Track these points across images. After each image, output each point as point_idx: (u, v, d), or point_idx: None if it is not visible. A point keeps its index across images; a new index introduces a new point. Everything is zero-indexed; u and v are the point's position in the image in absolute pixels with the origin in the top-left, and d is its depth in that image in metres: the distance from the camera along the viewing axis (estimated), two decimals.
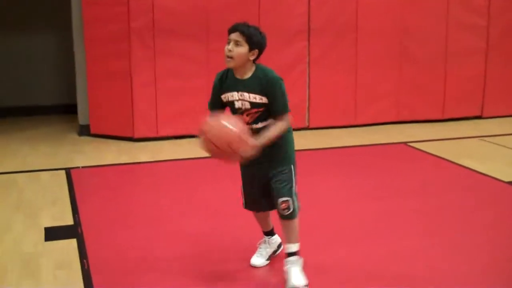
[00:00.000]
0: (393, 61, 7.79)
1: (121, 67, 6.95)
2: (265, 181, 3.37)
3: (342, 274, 3.55)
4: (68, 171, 5.77)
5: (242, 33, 3.19)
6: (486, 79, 8.19)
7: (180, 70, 7.06)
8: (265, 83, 3.21)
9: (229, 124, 3.04)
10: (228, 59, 3.22)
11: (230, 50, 3.19)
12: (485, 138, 7.15)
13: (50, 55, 8.68)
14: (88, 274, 3.55)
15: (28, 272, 3.61)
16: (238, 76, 3.27)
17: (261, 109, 3.24)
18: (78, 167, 5.96)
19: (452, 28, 7.91)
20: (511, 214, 4.66)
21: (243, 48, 3.19)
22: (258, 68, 3.28)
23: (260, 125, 3.26)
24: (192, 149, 6.65)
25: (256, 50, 3.22)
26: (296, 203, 3.35)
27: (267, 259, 3.66)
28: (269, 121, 3.26)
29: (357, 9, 7.54)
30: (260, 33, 3.25)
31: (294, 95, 7.41)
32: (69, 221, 4.46)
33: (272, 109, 3.24)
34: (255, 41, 3.20)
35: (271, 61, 7.18)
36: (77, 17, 7.14)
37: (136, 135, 7.02)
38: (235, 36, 3.20)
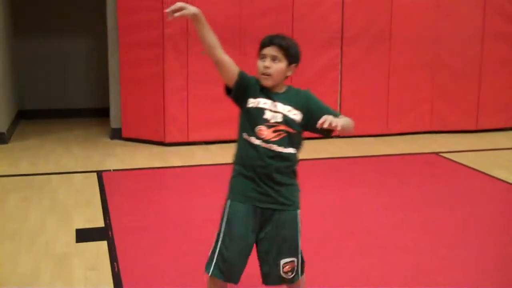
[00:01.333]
0: (427, 70, 7.73)
1: (154, 72, 7.01)
2: (260, 230, 2.74)
3: (370, 281, 3.52)
4: (100, 174, 5.84)
5: (280, 47, 2.72)
6: None
7: (212, 76, 7.04)
8: (300, 96, 2.80)
9: None
10: (265, 77, 2.73)
11: (267, 67, 2.72)
12: None
13: (85, 59, 8.82)
14: (118, 277, 3.58)
15: (60, 272, 3.65)
16: (273, 90, 2.78)
17: (290, 131, 2.70)
18: (109, 170, 6.02)
19: (487, 37, 7.82)
20: None
21: (282, 64, 2.73)
22: (290, 88, 2.84)
23: (281, 149, 2.69)
24: (223, 154, 6.68)
25: (294, 65, 2.78)
26: (301, 261, 2.83)
27: None
28: (291, 150, 2.72)
29: (391, 17, 7.50)
30: (296, 44, 2.80)
31: (325, 102, 7.38)
32: (100, 223, 4.50)
33: (327, 114, 2.63)
34: (293, 54, 2.76)
35: (304, 68, 7.21)
36: (112, 22, 7.23)
37: (167, 140, 7.07)
38: (271, 50, 2.73)
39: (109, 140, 7.40)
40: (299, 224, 2.78)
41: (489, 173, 6.00)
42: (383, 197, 5.23)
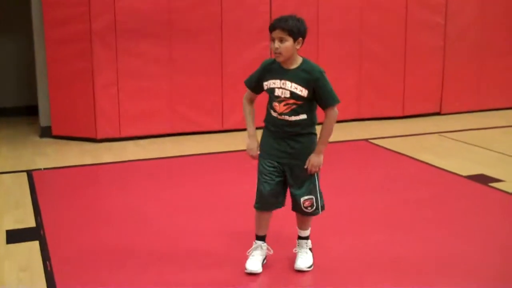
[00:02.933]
0: (353, 59, 7.91)
1: (83, 68, 6.90)
2: (285, 175, 3.47)
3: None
4: (30, 173, 5.72)
5: (283, 29, 3.30)
6: (444, 77, 8.37)
7: (142, 70, 7.05)
8: (311, 76, 3.34)
9: None
10: (277, 55, 3.33)
11: (277, 47, 3.31)
12: (444, 134, 7.32)
13: (10, 56, 8.56)
14: (51, 276, 3.54)
15: None
16: (285, 66, 3.38)
17: (299, 102, 3.35)
18: (40, 169, 5.91)
19: (410, 26, 8.06)
20: (469, 208, 4.79)
21: (289, 42, 3.31)
22: (304, 62, 3.41)
23: (293, 118, 3.37)
24: (155, 149, 6.67)
25: (300, 39, 3.35)
26: (320, 201, 3.53)
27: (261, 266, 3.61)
28: (302, 116, 3.37)
29: (318, 7, 7.62)
30: (298, 20, 3.37)
31: None
32: (31, 223, 4.43)
33: (322, 101, 3.38)
34: (297, 31, 3.32)
35: (234, 60, 7.28)
36: (37, 18, 7.06)
37: (99, 136, 6.99)
38: (277, 33, 3.32)
39: (39, 138, 7.25)
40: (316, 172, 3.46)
41: (416, 157, 6.23)
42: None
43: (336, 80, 7.72)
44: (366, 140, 7.05)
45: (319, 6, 7.63)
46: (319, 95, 3.36)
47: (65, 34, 6.90)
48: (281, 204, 3.56)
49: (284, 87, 3.36)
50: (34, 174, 5.72)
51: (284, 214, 3.68)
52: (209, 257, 3.81)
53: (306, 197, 3.47)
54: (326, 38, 7.69)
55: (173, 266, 3.70)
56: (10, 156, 6.47)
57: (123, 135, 7.07)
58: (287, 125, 3.39)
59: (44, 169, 5.95)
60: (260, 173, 3.52)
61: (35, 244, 4.01)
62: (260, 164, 3.53)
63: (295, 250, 3.67)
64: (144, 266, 3.69)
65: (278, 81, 3.38)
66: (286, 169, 3.46)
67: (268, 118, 3.50)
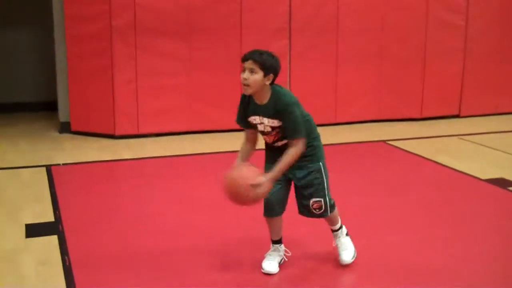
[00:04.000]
0: (373, 59, 7.88)
1: (103, 65, 6.95)
2: (289, 181, 3.47)
3: (320, 267, 3.61)
4: (48, 168, 5.76)
5: (255, 61, 3.25)
6: (464, 79, 8.31)
7: (161, 67, 7.08)
8: (278, 108, 3.30)
9: (239, 176, 3.23)
10: (245, 87, 3.28)
11: (245, 79, 3.25)
12: (463, 137, 7.26)
13: (31, 52, 8.64)
14: (70, 271, 3.56)
15: (9, 268, 3.61)
16: (257, 102, 3.36)
17: (279, 131, 3.36)
18: (58, 164, 5.96)
19: (431, 27, 8.01)
20: (487, 211, 4.75)
21: (258, 75, 3.25)
22: (274, 92, 3.34)
23: (285, 141, 3.37)
24: (173, 146, 6.69)
25: (271, 75, 3.29)
26: (329, 202, 3.49)
27: (278, 267, 3.60)
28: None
29: (338, 7, 7.60)
30: (273, 57, 3.31)
31: None
32: (50, 218, 4.46)
33: (287, 133, 3.35)
34: (269, 66, 3.27)
35: None
36: (58, 14, 7.12)
37: (117, 133, 7.03)
38: (248, 64, 3.26)
39: (58, 134, 7.30)
40: (323, 172, 3.47)
41: (434, 159, 6.18)
42: (333, 184, 5.31)
43: (355, 81, 7.82)
44: (384, 141, 7.01)
45: (339, 6, 7.61)
46: (285, 127, 3.32)
47: (86, 30, 6.95)
48: (284, 208, 3.55)
49: (263, 123, 3.36)
50: (53, 169, 5.77)
51: (297, 215, 3.64)
52: (225, 256, 3.81)
53: (315, 199, 3.45)
54: (345, 38, 7.67)
55: (189, 264, 3.70)
56: (29, 151, 6.53)
57: (141, 132, 7.10)
58: (280, 148, 3.38)
59: (63, 164, 5.99)
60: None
61: (54, 239, 4.04)
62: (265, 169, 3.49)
63: (335, 244, 3.68)
64: (161, 262, 3.70)
65: (257, 117, 3.38)
66: (291, 176, 3.45)
67: (265, 143, 3.53)
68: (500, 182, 5.40)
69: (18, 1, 8.37)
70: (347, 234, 3.70)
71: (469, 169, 5.78)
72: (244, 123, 3.49)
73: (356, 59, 7.76)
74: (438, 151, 6.53)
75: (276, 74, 3.32)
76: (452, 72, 8.25)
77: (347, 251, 3.64)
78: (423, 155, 6.37)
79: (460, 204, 4.89)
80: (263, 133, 3.42)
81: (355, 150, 6.72)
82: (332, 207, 3.53)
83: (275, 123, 3.33)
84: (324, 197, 3.47)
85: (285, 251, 3.66)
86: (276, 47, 7.41)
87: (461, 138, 7.21)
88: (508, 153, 6.48)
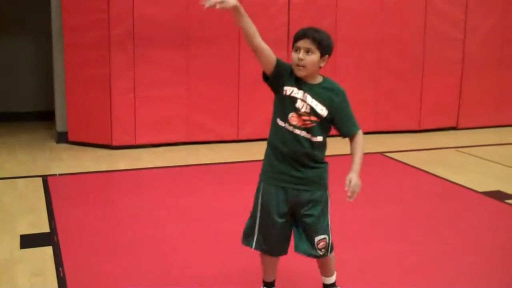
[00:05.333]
0: (371, 71, 7.89)
1: (100, 75, 6.95)
2: (293, 211, 3.03)
3: (315, 279, 3.59)
4: (45, 179, 5.75)
5: (313, 39, 2.89)
6: (462, 91, 8.33)
7: (159, 77, 7.08)
8: (334, 96, 2.97)
9: None
10: (300, 68, 2.90)
11: (301, 59, 2.89)
12: (460, 149, 7.26)
13: (28, 61, 8.65)
14: (64, 282, 3.55)
15: (3, 279, 3.59)
16: (305, 80, 2.97)
17: (316, 120, 2.94)
18: (55, 175, 5.94)
19: (429, 40, 8.03)
20: (484, 224, 4.74)
21: (315, 56, 2.90)
22: (326, 80, 3.02)
23: (309, 136, 2.95)
24: (170, 157, 6.68)
25: (327, 56, 2.95)
26: (331, 240, 3.11)
27: None
28: (319, 138, 2.98)
29: (336, 19, 7.62)
30: (329, 36, 2.96)
31: (272, 103, 7.46)
32: (45, 228, 4.44)
33: (345, 127, 3.02)
34: (326, 46, 2.92)
35: (252, 69, 7.28)
36: (56, 23, 7.12)
37: (114, 143, 7.01)
38: (305, 43, 2.89)
39: (55, 144, 7.29)
40: (328, 204, 3.09)
41: (431, 171, 6.18)
42: (332, 195, 5.30)
43: (354, 92, 7.71)
44: (382, 153, 7.01)
45: (337, 18, 7.62)
46: (342, 117, 2.98)
47: (84, 40, 6.95)
48: (285, 249, 3.13)
49: (305, 100, 2.93)
50: (49, 179, 5.75)
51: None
52: (228, 266, 3.79)
53: (321, 237, 3.04)
54: (344, 49, 7.68)
55: (187, 277, 3.68)
56: (26, 160, 6.51)
57: (139, 142, 7.09)
58: (302, 142, 2.94)
59: (60, 174, 5.98)
60: (261, 204, 3.05)
61: (49, 250, 4.02)
62: (260, 192, 3.06)
63: None
64: (157, 274, 3.68)
65: (301, 92, 2.94)
66: (296, 199, 3.00)
67: (279, 136, 2.99)
68: (497, 195, 5.39)
69: (17, 9, 8.39)
70: None
71: (466, 182, 5.77)
72: (281, 63, 2.96)
73: (354, 70, 7.77)
74: (436, 163, 6.53)
75: (330, 55, 2.98)
76: (450, 84, 8.27)
77: None
78: (420, 167, 6.37)
79: (456, 217, 4.89)
80: (296, 110, 2.93)
81: (330, 164, 6.68)
82: (332, 246, 3.15)
83: (318, 108, 2.92)
84: (328, 233, 3.08)
85: None
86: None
87: (458, 150, 7.21)
88: (506, 166, 6.48)
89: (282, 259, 3.24)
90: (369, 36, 7.79)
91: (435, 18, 7.99)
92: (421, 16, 7.93)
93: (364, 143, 3.06)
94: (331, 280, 3.28)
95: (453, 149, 7.28)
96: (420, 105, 8.17)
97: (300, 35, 2.93)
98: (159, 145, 7.13)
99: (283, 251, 3.12)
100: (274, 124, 3.03)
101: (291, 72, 2.96)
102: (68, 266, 3.76)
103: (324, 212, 3.06)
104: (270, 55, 2.95)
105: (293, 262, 3.40)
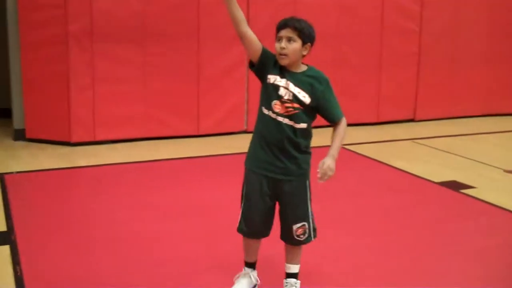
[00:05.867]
0: (329, 65, 7.94)
1: (58, 71, 6.86)
2: (276, 198, 3.17)
3: (272, 271, 3.63)
4: (2, 177, 5.66)
5: (294, 28, 3.02)
6: (418, 83, 8.48)
7: (118, 74, 7.03)
8: (317, 84, 3.06)
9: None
10: (282, 57, 3.02)
11: (283, 48, 3.00)
12: (417, 141, 7.40)
13: None
14: (21, 282, 3.51)
15: None
16: (288, 68, 3.08)
17: (299, 107, 3.04)
18: (12, 173, 5.86)
19: (386, 33, 8.15)
20: (441, 214, 4.86)
21: (297, 44, 3.02)
22: (310, 68, 3.14)
23: (292, 123, 3.04)
24: (130, 153, 6.64)
25: (309, 44, 3.07)
26: (312, 225, 3.24)
27: None
28: (303, 124, 3.07)
29: (294, 14, 7.62)
30: (310, 25, 3.09)
31: (233, 98, 7.49)
32: (2, 227, 4.39)
33: (329, 114, 3.12)
34: (307, 34, 3.05)
35: (212, 64, 7.29)
36: (12, 19, 7.01)
37: (73, 140, 6.95)
38: (286, 32, 3.02)
39: (12, 141, 7.17)
40: (309, 192, 3.20)
41: (389, 163, 6.29)
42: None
43: None
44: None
45: (296, 12, 7.65)
46: (326, 105, 3.08)
47: (41, 36, 6.85)
48: (268, 232, 3.27)
49: (287, 88, 3.03)
50: (7, 177, 5.67)
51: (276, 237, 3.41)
52: (184, 265, 3.81)
53: (299, 224, 3.17)
54: None
55: (145, 274, 3.69)
56: None
57: (98, 138, 7.03)
58: (285, 130, 3.04)
59: (17, 172, 5.90)
60: (245, 188, 3.20)
61: (6, 249, 3.98)
62: (245, 177, 3.20)
63: None
64: (118, 273, 3.68)
65: (284, 80, 3.04)
66: (277, 187, 3.13)
67: (263, 123, 3.11)
68: (453, 185, 5.53)
69: None
70: None
71: (423, 173, 5.90)
72: (264, 52, 3.07)
73: (312, 64, 7.79)
74: (394, 155, 6.65)
75: (313, 44, 3.09)
76: (407, 77, 8.41)
77: None
78: (379, 159, 6.47)
79: (414, 207, 5.00)
80: (279, 98, 3.03)
81: (312, 155, 6.76)
82: (315, 229, 3.27)
83: (301, 95, 3.02)
84: (308, 219, 3.20)
85: (257, 279, 3.40)
86: (234, 53, 7.44)
87: (415, 142, 7.35)
88: (461, 156, 6.63)
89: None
90: (326, 31, 7.85)
91: (391, 11, 8.11)
92: (378, 9, 8.04)
93: (345, 131, 3.16)
94: (296, 269, 3.35)
95: (410, 141, 7.41)
96: (378, 98, 8.29)
97: (282, 25, 3.05)
98: (119, 141, 7.08)
99: (264, 234, 3.26)
100: (260, 112, 3.14)
101: (276, 61, 3.07)
102: (26, 266, 3.73)
103: (303, 200, 3.18)
104: (256, 43, 3.07)
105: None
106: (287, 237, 3.23)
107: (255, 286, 3.39)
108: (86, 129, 6.98)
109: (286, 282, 3.34)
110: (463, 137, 7.70)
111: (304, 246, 3.65)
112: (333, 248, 4.07)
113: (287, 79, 3.05)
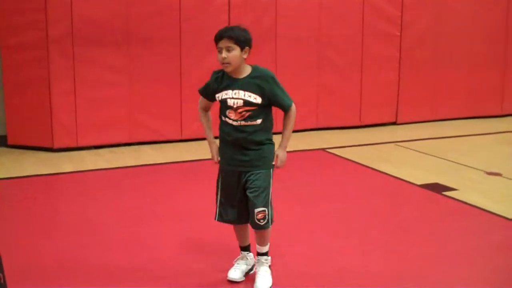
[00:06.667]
0: (311, 69, 8.00)
1: (39, 76, 6.82)
2: (244, 186, 3.44)
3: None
4: None
5: (230, 38, 3.28)
6: (400, 87, 8.54)
7: (100, 78, 7.00)
8: (263, 83, 3.34)
9: None
10: (226, 65, 3.32)
11: (224, 58, 3.29)
12: (400, 143, 7.46)
13: None
14: (4, 287, 3.49)
15: None
16: (234, 76, 3.37)
17: (253, 108, 3.34)
18: None
19: (367, 37, 8.21)
20: (423, 216, 4.90)
21: (236, 51, 3.29)
22: (254, 69, 3.40)
23: (249, 123, 3.36)
24: (113, 158, 6.62)
25: (247, 48, 3.34)
26: (271, 213, 3.48)
27: (244, 275, 3.63)
28: (258, 120, 3.37)
29: (276, 18, 7.70)
30: (244, 30, 3.36)
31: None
32: None
33: (280, 106, 3.41)
34: (244, 40, 3.31)
35: (194, 68, 7.28)
36: None
37: (56, 145, 6.90)
38: (224, 43, 3.29)
39: None
40: (270, 181, 3.47)
41: (372, 166, 6.33)
42: (274, 193, 5.35)
43: (295, 89, 7.81)
44: (323, 149, 7.13)
45: (277, 16, 7.70)
46: (275, 100, 3.38)
47: (22, 41, 6.81)
48: (243, 219, 3.53)
49: (237, 97, 3.34)
50: None
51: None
52: (168, 269, 3.81)
53: (260, 209, 3.43)
54: (284, 47, 7.77)
55: (130, 276, 3.68)
56: None
57: (81, 144, 6.99)
58: (244, 131, 3.37)
59: (0, 179, 5.85)
60: (219, 181, 3.53)
61: None
62: (219, 172, 3.53)
63: (255, 269, 3.63)
64: (102, 276, 3.66)
65: (230, 91, 3.36)
66: (244, 178, 3.42)
67: (223, 128, 3.46)
68: (435, 187, 5.58)
69: None
70: (270, 267, 3.61)
71: (405, 175, 5.94)
72: (208, 95, 3.51)
73: (294, 68, 7.86)
74: (376, 158, 6.69)
75: (250, 46, 3.36)
76: (389, 80, 8.47)
77: (264, 280, 3.52)
78: (361, 162, 6.51)
79: (397, 210, 5.04)
80: (230, 108, 3.36)
81: (295, 158, 6.78)
82: (272, 219, 3.52)
83: (252, 98, 3.32)
84: (268, 206, 3.45)
85: (254, 260, 3.67)
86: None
87: (397, 145, 7.40)
88: (442, 159, 6.70)
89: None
90: (308, 34, 7.90)
91: (372, 15, 8.17)
92: (358, 13, 8.10)
93: (294, 118, 3.45)
94: (265, 249, 3.60)
95: (393, 144, 7.46)
96: (360, 101, 8.33)
97: (218, 37, 3.33)
98: (102, 147, 7.05)
99: (241, 221, 3.53)
100: (221, 118, 3.46)
101: (216, 78, 3.44)
102: (8, 272, 3.68)
103: (264, 188, 3.43)
104: (207, 101, 3.56)
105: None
106: (251, 220, 3.48)
107: (252, 266, 3.67)
108: (68, 134, 6.94)
109: (258, 259, 3.62)
110: (445, 139, 7.77)
111: (291, 250, 3.75)
112: (319, 250, 4.09)
113: (235, 88, 3.35)
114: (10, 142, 7.07)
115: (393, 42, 8.37)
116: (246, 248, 3.69)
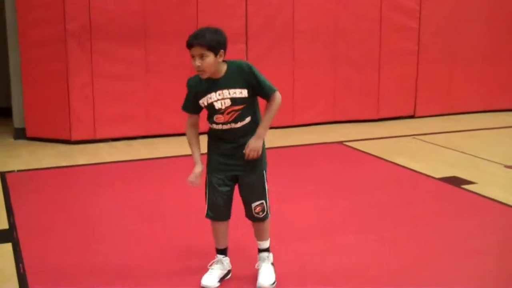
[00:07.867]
0: (329, 62, 7.96)
1: (57, 69, 6.86)
2: (235, 182, 3.39)
3: (280, 270, 3.63)
4: (3, 175, 5.66)
5: (202, 45, 3.13)
6: (418, 80, 8.47)
7: (117, 72, 7.03)
8: (243, 74, 3.23)
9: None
10: (201, 72, 3.18)
11: (199, 65, 3.15)
12: (418, 137, 7.40)
13: None
14: (24, 279, 3.51)
15: None
16: (213, 77, 3.23)
17: (241, 107, 3.24)
18: (13, 171, 5.85)
19: (385, 30, 8.14)
20: (441, 210, 4.85)
21: (210, 58, 3.14)
22: (229, 64, 3.26)
23: (239, 124, 3.27)
24: (130, 151, 6.64)
25: (221, 51, 3.18)
26: (268, 205, 3.44)
27: (219, 281, 3.46)
28: (247, 119, 3.28)
29: (293, 12, 7.67)
30: (216, 32, 3.19)
31: None
32: (4, 225, 4.39)
33: (261, 93, 3.29)
34: (216, 44, 3.16)
35: None
36: (11, 18, 7.01)
37: (73, 138, 6.95)
38: (196, 50, 3.15)
39: (12, 140, 7.18)
40: (265, 177, 3.39)
41: (389, 159, 6.29)
42: (291, 186, 5.36)
43: (312, 84, 7.88)
44: (341, 142, 7.10)
45: (295, 10, 7.67)
46: (260, 87, 3.26)
47: (40, 35, 6.85)
48: (229, 214, 3.47)
49: (222, 97, 3.22)
50: (8, 176, 5.67)
51: (245, 230, 3.62)
52: (189, 262, 3.81)
53: (257, 202, 3.38)
54: (301, 42, 7.74)
55: (147, 269, 3.69)
56: None
57: (98, 137, 7.03)
58: (232, 133, 3.28)
59: (18, 171, 5.90)
60: (210, 184, 3.39)
61: (8, 246, 3.98)
62: (207, 177, 3.41)
63: (257, 266, 3.51)
64: (118, 270, 3.67)
65: (213, 94, 3.23)
66: (237, 177, 3.36)
67: (212, 133, 3.35)
68: (454, 181, 5.52)
69: None
70: (272, 264, 3.52)
71: (424, 168, 5.89)
72: (192, 109, 3.34)
73: (312, 62, 7.83)
74: (394, 151, 6.64)
75: (225, 48, 3.20)
76: (407, 74, 8.40)
77: (268, 276, 3.44)
78: (379, 155, 6.47)
79: (415, 203, 5.00)
80: (218, 111, 3.23)
81: (312, 151, 6.78)
82: (269, 212, 3.46)
83: (238, 93, 3.21)
84: (265, 198, 3.41)
85: (229, 265, 3.53)
86: (233, 51, 7.39)
87: (416, 138, 7.35)
88: (461, 152, 6.63)
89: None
90: (325, 29, 7.86)
91: (390, 9, 8.10)
92: (376, 7, 8.04)
93: (277, 106, 3.32)
94: (266, 244, 3.52)
95: (411, 137, 7.41)
96: (378, 94, 8.28)
97: (188, 45, 3.18)
98: (119, 139, 7.08)
99: (228, 216, 3.45)
100: (210, 124, 3.34)
101: (194, 86, 3.30)
102: (28, 263, 3.73)
103: (260, 181, 3.38)
104: (193, 118, 3.39)
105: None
106: (250, 215, 3.43)
107: (228, 272, 3.52)
108: (86, 127, 6.98)
109: (259, 256, 3.52)
110: (463, 133, 7.70)
111: (305, 245, 3.69)
112: (335, 246, 4.06)
113: (218, 89, 3.23)
114: (28, 134, 7.12)
115: (411, 35, 8.30)
116: (223, 252, 3.52)
